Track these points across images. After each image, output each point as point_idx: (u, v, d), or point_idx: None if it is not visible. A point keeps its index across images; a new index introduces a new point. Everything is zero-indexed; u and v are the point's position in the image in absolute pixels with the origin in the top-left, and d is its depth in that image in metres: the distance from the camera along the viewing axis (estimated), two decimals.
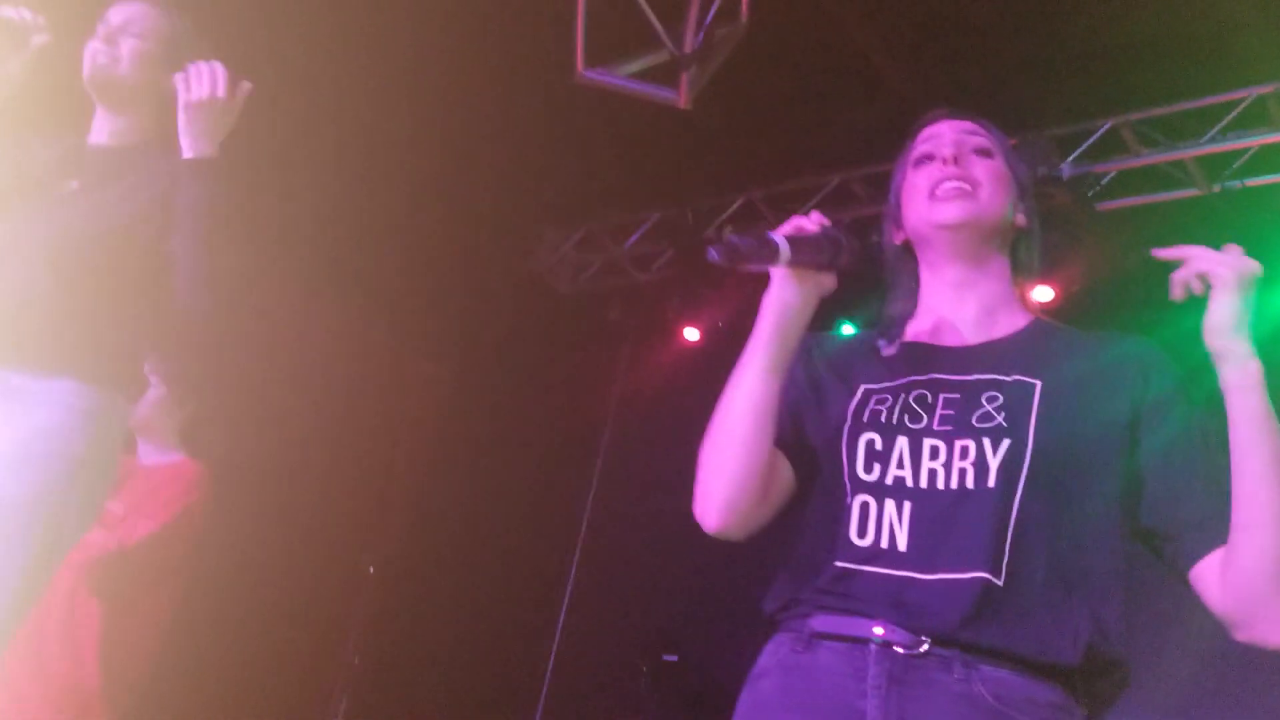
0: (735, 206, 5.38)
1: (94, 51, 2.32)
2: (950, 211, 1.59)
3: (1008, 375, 1.51)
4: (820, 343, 1.68)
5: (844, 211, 5.06)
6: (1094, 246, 4.46)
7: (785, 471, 1.57)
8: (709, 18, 3.51)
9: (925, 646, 1.36)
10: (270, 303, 5.42)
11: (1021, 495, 1.41)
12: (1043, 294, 4.66)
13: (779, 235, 1.45)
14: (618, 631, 5.21)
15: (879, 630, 1.38)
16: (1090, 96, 4.50)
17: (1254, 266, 1.41)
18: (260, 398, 5.32)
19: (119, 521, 3.05)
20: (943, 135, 1.65)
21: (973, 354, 1.56)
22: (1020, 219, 1.66)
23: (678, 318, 5.76)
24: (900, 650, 1.37)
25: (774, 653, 1.48)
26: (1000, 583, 1.37)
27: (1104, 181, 4.57)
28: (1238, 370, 1.39)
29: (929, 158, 1.65)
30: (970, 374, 1.52)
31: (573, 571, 5.65)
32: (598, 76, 3.65)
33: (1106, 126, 4.49)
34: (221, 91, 2.26)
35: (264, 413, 5.38)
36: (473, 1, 4.31)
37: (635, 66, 3.74)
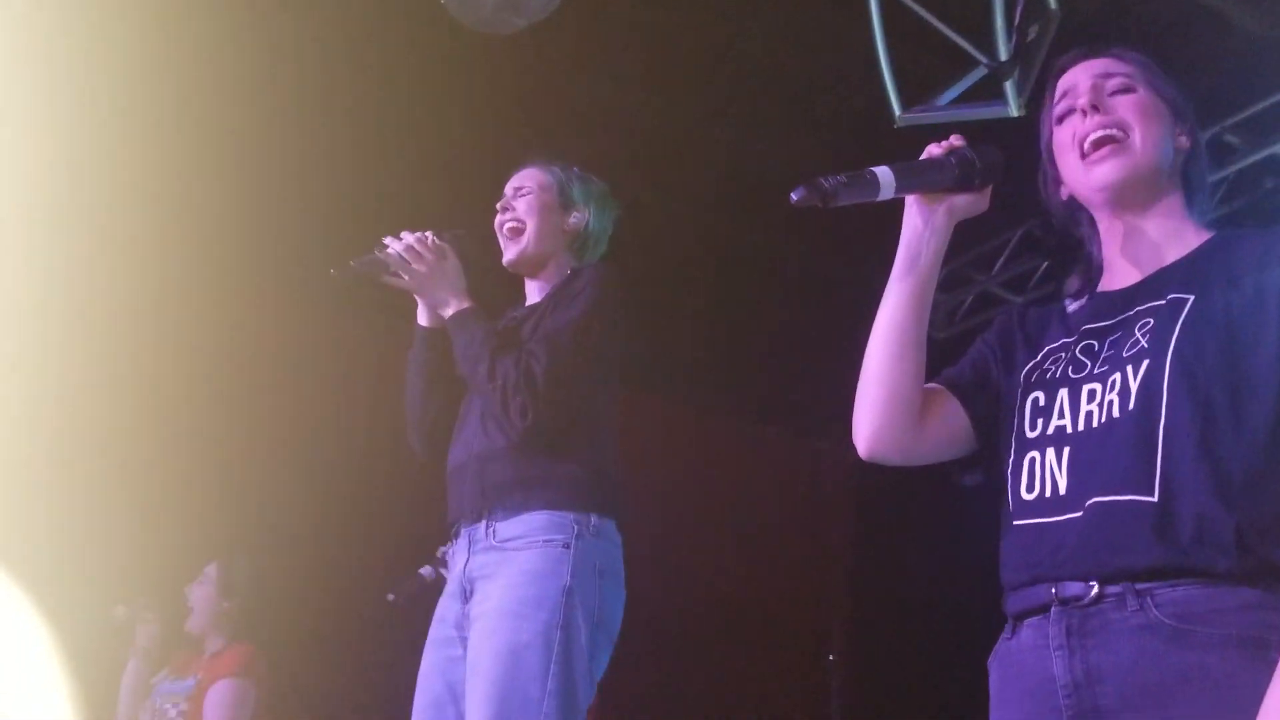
0: None
1: (500, 223, 2.59)
2: (1104, 173, 1.53)
3: (1163, 298, 1.47)
4: (1022, 314, 1.68)
5: (1225, 167, 4.62)
6: None
7: (955, 414, 1.61)
8: (1017, 17, 3.36)
9: (1095, 590, 1.35)
10: (652, 422, 5.60)
11: (1166, 410, 1.38)
12: None
13: (882, 166, 1.47)
14: None
15: (1052, 590, 1.39)
16: None
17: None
18: None
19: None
20: (1078, 83, 1.57)
21: (1139, 288, 1.53)
22: (1182, 141, 1.56)
23: None
24: (1074, 603, 1.37)
25: (999, 642, 1.51)
26: (1155, 499, 1.35)
27: None
28: None
29: (1070, 111, 1.58)
30: (1132, 308, 1.50)
31: None
32: (919, 116, 3.58)
33: None
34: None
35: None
36: (786, 67, 4.39)
37: (954, 93, 3.63)
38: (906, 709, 5.68)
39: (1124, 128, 1.53)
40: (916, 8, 3.39)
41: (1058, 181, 1.65)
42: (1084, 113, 1.55)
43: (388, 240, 2.46)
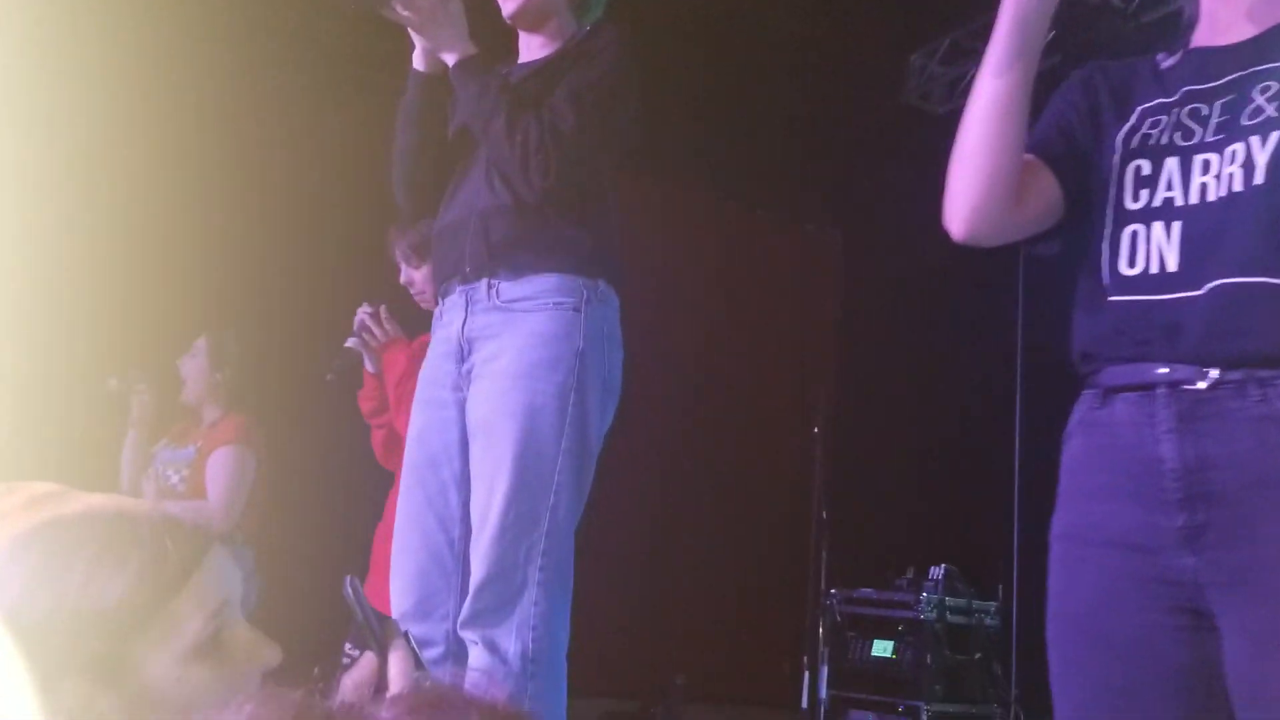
0: None
1: None
2: None
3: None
4: (1104, 69, 1.55)
5: None
6: None
7: (1050, 187, 1.49)
8: None
9: (1216, 374, 1.30)
10: (646, 200, 5.55)
11: None
12: None
13: None
14: None
15: (1163, 370, 1.33)
16: None
17: None
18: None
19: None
20: None
21: (1254, 45, 1.41)
22: None
23: None
24: (1188, 387, 1.31)
25: (1078, 410, 1.45)
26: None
27: None
28: None
29: None
30: (1246, 68, 1.38)
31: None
32: None
33: None
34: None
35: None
36: None
37: None
38: (886, 477, 5.86)
39: None
40: None
41: None
42: None
43: None
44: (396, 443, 3.16)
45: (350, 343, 3.32)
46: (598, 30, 2.37)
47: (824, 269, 6.73)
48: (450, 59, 2.28)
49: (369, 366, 3.35)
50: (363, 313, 3.30)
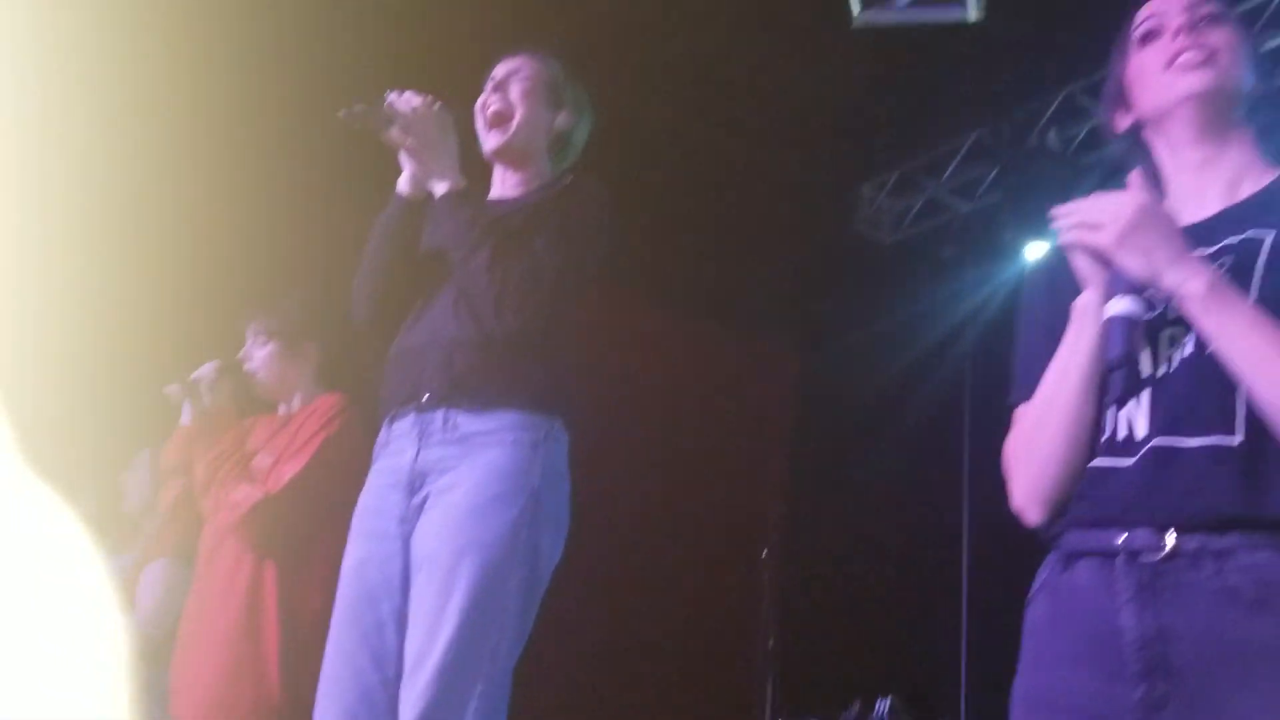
0: (1055, 105, 4.98)
1: (484, 103, 2.46)
2: (1192, 81, 1.47)
3: (1240, 235, 1.40)
4: (1058, 256, 1.55)
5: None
6: None
7: None
8: None
9: (1171, 543, 1.30)
10: (602, 317, 5.59)
11: None
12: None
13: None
14: None
15: (1121, 538, 1.34)
16: None
17: (1112, 223, 1.35)
18: (614, 414, 5.50)
19: (265, 474, 3.01)
20: (1168, 9, 1.53)
21: (1212, 224, 1.46)
22: (1251, 84, 1.51)
23: (1015, 240, 5.46)
24: (1147, 557, 1.32)
25: (1043, 573, 1.46)
26: (1237, 440, 1.30)
27: None
28: (1184, 303, 1.33)
29: (1155, 33, 1.53)
30: (1208, 246, 1.42)
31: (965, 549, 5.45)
32: (877, 16, 3.52)
33: None
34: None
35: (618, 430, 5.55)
36: None
37: None
38: (837, 607, 5.82)
39: (1213, 52, 1.50)
40: None
41: (1126, 109, 1.59)
42: (1176, 32, 1.51)
43: (393, 96, 2.31)
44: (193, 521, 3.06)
45: (171, 389, 3.22)
46: (581, 183, 2.41)
47: (779, 389, 6.77)
48: (440, 188, 2.31)
49: (184, 418, 3.24)
50: (211, 367, 3.22)
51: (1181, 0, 1.53)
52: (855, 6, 3.44)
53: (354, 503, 2.35)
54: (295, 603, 2.95)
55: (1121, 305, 1.34)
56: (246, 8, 4.20)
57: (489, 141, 2.45)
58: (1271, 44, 4.36)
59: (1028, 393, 1.50)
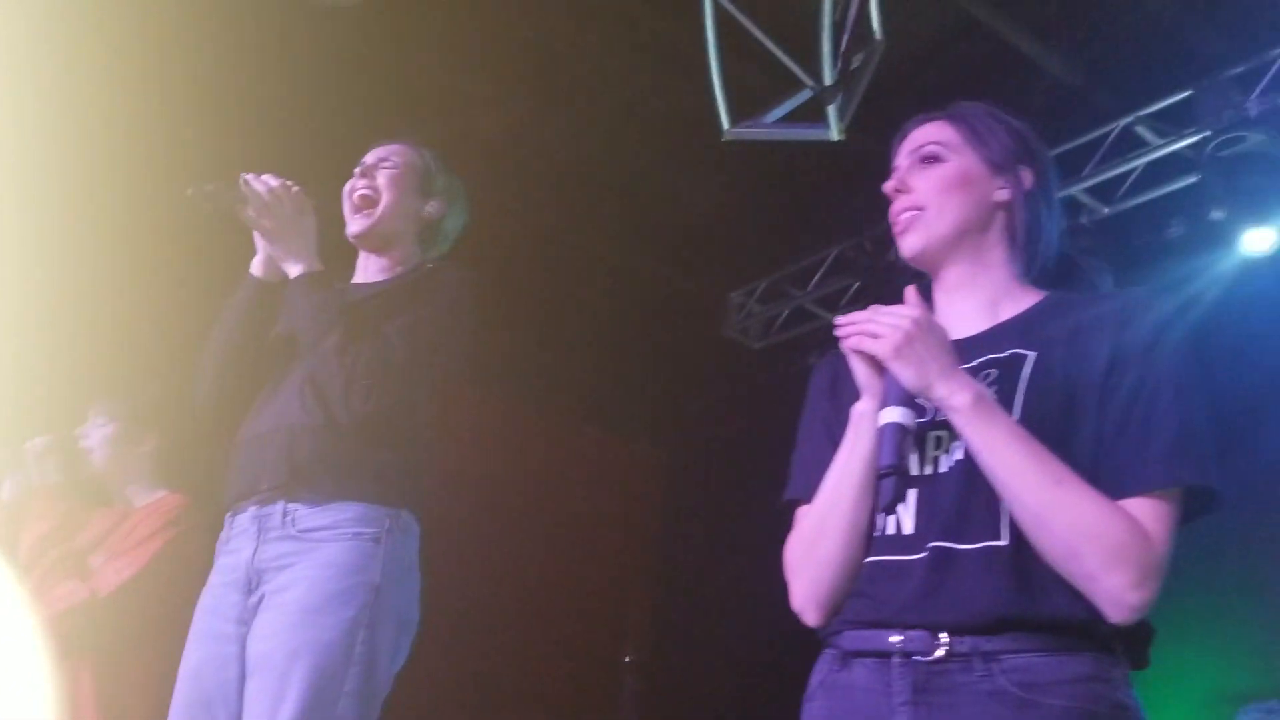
0: None
1: (352, 187, 2.45)
2: (904, 244, 1.62)
3: (1004, 351, 1.52)
4: (837, 361, 1.66)
5: None
6: None
7: None
8: (843, 45, 3.48)
9: (943, 647, 1.37)
10: (470, 415, 5.58)
11: None
12: (1260, 240, 4.39)
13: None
14: None
15: (897, 639, 1.39)
16: (1259, 27, 4.26)
17: (890, 334, 1.42)
18: (467, 511, 5.46)
19: (94, 573, 2.90)
20: (900, 160, 1.67)
21: (977, 340, 1.57)
22: (1001, 194, 1.62)
23: None
24: (920, 658, 1.37)
25: (818, 671, 1.51)
26: (1004, 543, 1.38)
27: None
28: (952, 414, 1.41)
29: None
30: (972, 360, 1.53)
31: None
32: (745, 131, 3.66)
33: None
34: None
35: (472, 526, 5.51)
36: (620, 72, 4.43)
37: (781, 112, 3.74)
38: (699, 708, 5.80)
39: (920, 205, 1.61)
40: (749, 25, 3.46)
41: None
42: (892, 195, 1.64)
43: (248, 177, 2.27)
44: None
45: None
46: (441, 269, 2.39)
47: (647, 488, 6.81)
48: (294, 270, 2.27)
49: (4, 493, 3.10)
50: (42, 440, 3.09)
51: (913, 143, 1.66)
52: (725, 120, 3.58)
53: (193, 605, 2.27)
54: (116, 709, 2.82)
55: (894, 414, 1.42)
56: (101, 86, 4.16)
57: (352, 225, 2.44)
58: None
59: (805, 492, 1.58)
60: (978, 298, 1.61)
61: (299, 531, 2.15)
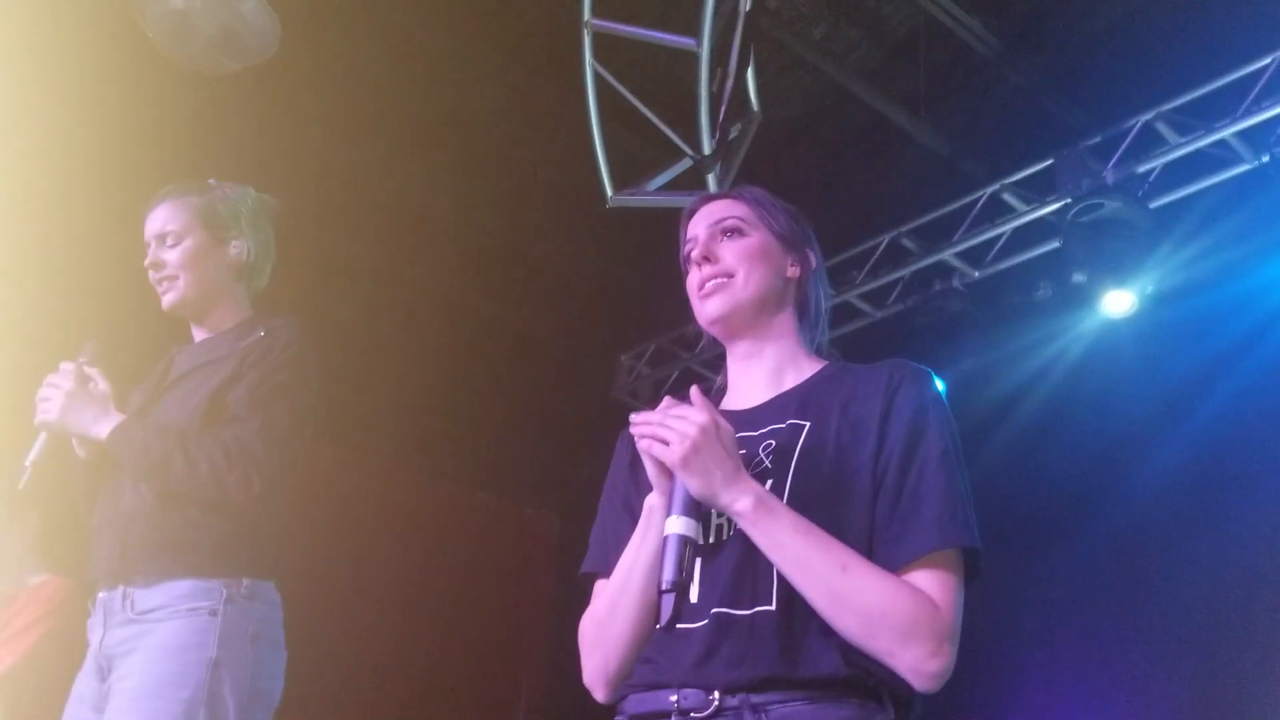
0: None
1: (154, 280, 2.39)
2: (710, 309, 1.68)
3: (784, 422, 1.59)
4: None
5: (901, 268, 5.13)
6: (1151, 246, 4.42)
7: None
8: (721, 115, 3.59)
9: (715, 702, 1.42)
10: (355, 471, 5.53)
11: None
12: (1119, 302, 4.60)
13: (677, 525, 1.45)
14: None
15: (674, 699, 1.45)
16: (1115, 100, 4.51)
17: (677, 443, 1.44)
18: (350, 580, 5.39)
19: None
20: (697, 231, 1.73)
21: (760, 411, 1.64)
22: (792, 271, 1.74)
23: None
24: (695, 714, 1.42)
25: None
26: (774, 608, 1.45)
27: (1150, 179, 4.52)
28: (736, 518, 1.46)
29: (690, 260, 1.73)
30: (756, 429, 1.60)
31: None
32: (628, 198, 3.75)
33: (1139, 124, 4.47)
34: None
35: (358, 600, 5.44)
36: (507, 138, 4.49)
37: (662, 180, 3.83)
38: None
39: (730, 272, 1.68)
40: (630, 97, 3.56)
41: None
42: (698, 264, 1.70)
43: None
44: None
45: None
46: (275, 330, 2.34)
47: (540, 552, 6.78)
48: (103, 433, 2.21)
49: None
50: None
51: (709, 217, 1.74)
52: (609, 188, 3.67)
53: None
54: None
55: (678, 525, 1.43)
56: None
57: (164, 300, 2.39)
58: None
59: (601, 566, 1.65)
60: (766, 366, 1.70)
61: (137, 614, 2.12)
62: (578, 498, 6.69)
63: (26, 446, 2.28)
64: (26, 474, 2.24)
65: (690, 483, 1.45)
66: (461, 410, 5.88)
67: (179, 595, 2.11)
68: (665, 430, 1.47)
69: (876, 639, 1.41)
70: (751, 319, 1.69)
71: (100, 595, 2.19)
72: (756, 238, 1.72)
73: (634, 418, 1.51)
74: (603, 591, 1.62)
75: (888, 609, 1.41)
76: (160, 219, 2.38)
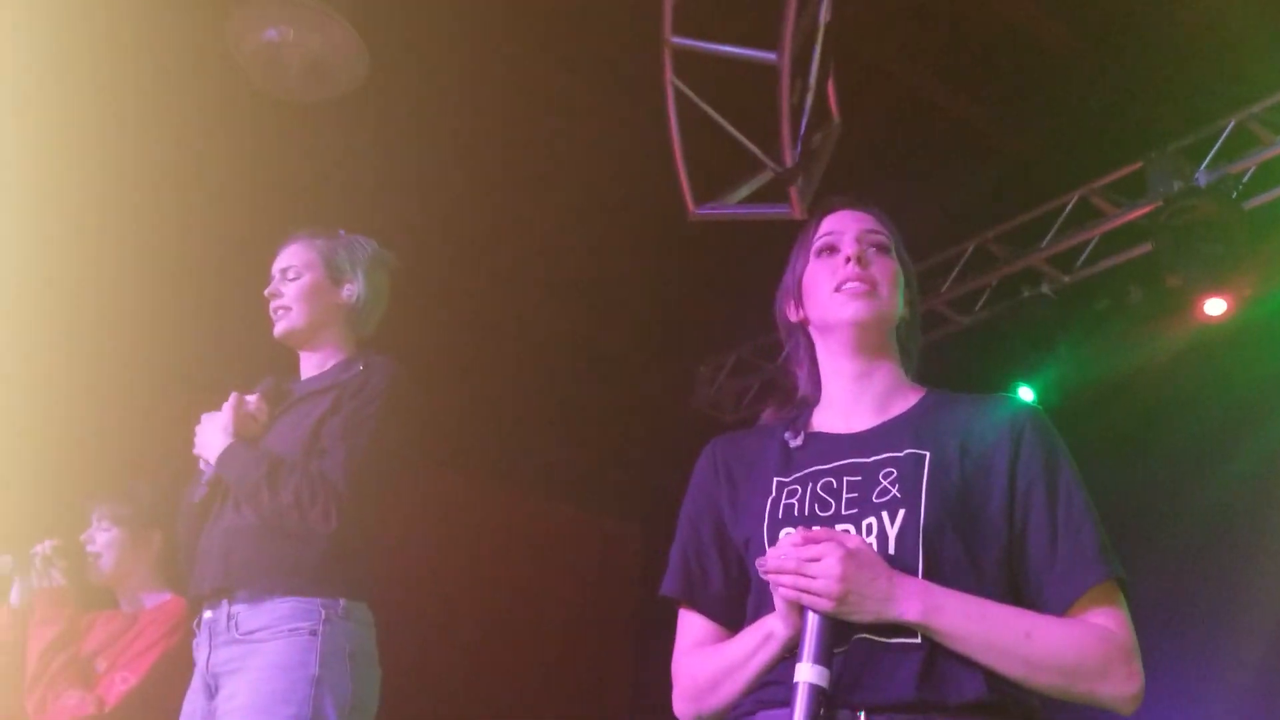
0: None
1: (271, 309, 2.55)
2: (857, 309, 1.66)
3: (901, 451, 1.58)
4: (730, 442, 1.76)
5: (988, 274, 5.07)
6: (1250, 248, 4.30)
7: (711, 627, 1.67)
8: (802, 127, 3.58)
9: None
10: (444, 488, 5.59)
11: (923, 558, 1.49)
12: (1215, 307, 4.49)
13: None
14: None
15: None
16: (1207, 99, 4.40)
17: (825, 588, 1.42)
18: (441, 593, 5.44)
19: (99, 680, 2.90)
20: (846, 230, 1.72)
21: (871, 436, 1.64)
22: (904, 310, 1.74)
23: None
24: None
25: None
26: (918, 639, 1.45)
27: (1244, 180, 4.41)
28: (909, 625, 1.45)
29: (832, 250, 1.72)
30: (870, 456, 1.60)
31: None
32: (710, 211, 3.75)
33: (1231, 124, 4.36)
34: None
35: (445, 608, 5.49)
36: (586, 158, 4.54)
37: (744, 192, 3.83)
38: None
39: (874, 284, 1.69)
40: (710, 112, 3.57)
41: (797, 301, 1.77)
42: (848, 259, 1.68)
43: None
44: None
45: (2, 560, 3.04)
46: (372, 365, 2.45)
47: (623, 563, 6.80)
48: (215, 457, 2.37)
49: (13, 598, 3.04)
50: (48, 544, 3.08)
51: (859, 222, 1.73)
52: (690, 202, 3.67)
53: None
54: None
55: (811, 674, 1.40)
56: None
57: (276, 328, 2.54)
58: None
59: (686, 595, 1.67)
60: (875, 389, 1.69)
61: (241, 635, 2.21)
62: (660, 509, 6.71)
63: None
64: (204, 490, 2.40)
65: (851, 619, 1.44)
66: (545, 425, 5.93)
67: (281, 616, 2.20)
68: (808, 580, 1.43)
69: (1077, 686, 1.46)
70: (880, 337, 1.70)
71: (205, 615, 2.28)
72: (897, 264, 1.73)
73: (767, 566, 1.47)
74: (692, 628, 1.65)
75: (1081, 656, 1.47)
76: (287, 255, 2.58)
